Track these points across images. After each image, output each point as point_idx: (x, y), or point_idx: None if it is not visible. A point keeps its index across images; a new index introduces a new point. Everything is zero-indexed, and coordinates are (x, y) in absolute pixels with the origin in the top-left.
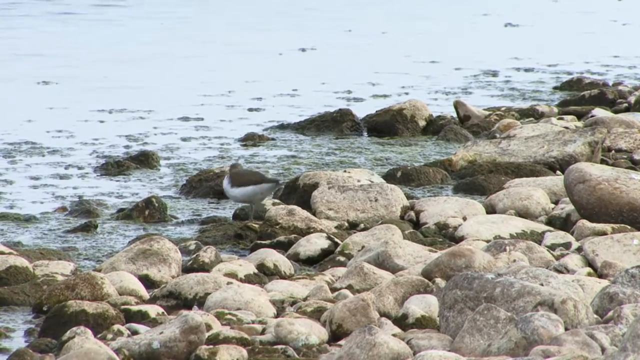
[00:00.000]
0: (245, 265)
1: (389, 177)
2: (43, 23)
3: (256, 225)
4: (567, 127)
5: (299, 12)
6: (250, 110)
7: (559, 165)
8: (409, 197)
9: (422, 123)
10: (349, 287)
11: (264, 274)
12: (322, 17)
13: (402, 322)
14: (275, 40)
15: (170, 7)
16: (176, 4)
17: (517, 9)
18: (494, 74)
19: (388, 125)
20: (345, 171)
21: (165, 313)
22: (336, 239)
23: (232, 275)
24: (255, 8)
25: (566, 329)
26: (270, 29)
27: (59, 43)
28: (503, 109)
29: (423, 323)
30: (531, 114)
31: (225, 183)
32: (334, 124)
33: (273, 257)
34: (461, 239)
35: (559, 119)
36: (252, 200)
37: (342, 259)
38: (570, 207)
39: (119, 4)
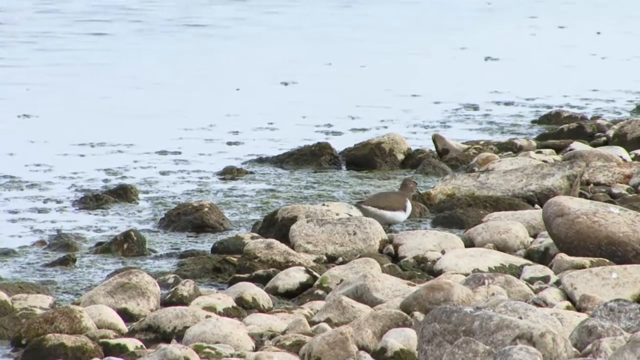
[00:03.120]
0: (224, 299)
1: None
2: (25, 55)
3: (234, 259)
4: (545, 161)
5: (279, 43)
6: (229, 144)
7: (538, 198)
8: (387, 230)
9: (400, 157)
10: (328, 321)
11: (243, 308)
12: (302, 50)
13: (380, 355)
14: (257, 74)
15: (146, 38)
16: (151, 34)
17: (496, 42)
18: (474, 107)
19: (366, 158)
20: (324, 205)
21: (144, 347)
22: (315, 273)
23: (210, 308)
24: (237, 41)
25: None
26: (252, 62)
27: (41, 75)
28: (482, 142)
29: (402, 356)
30: (510, 148)
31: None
32: (312, 157)
33: (252, 290)
34: (440, 272)
35: (537, 152)
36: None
37: (320, 292)
38: (548, 240)
39: (102, 32)
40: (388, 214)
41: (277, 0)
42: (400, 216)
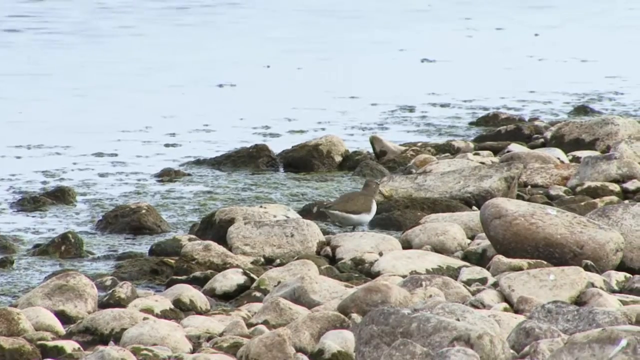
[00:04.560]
0: (162, 301)
1: (305, 213)
2: None
3: (172, 261)
4: (483, 163)
5: (216, 46)
6: (166, 145)
7: (475, 200)
8: (325, 232)
9: (338, 158)
10: (265, 323)
11: (180, 310)
12: (239, 52)
13: (318, 357)
14: (193, 76)
15: (84, 40)
16: (90, 37)
17: (433, 44)
18: (411, 109)
19: (304, 160)
20: (261, 207)
21: (81, 349)
22: (252, 275)
23: (148, 310)
24: (172, 44)
25: None
26: (189, 64)
27: None
28: (419, 144)
29: (339, 358)
30: (447, 150)
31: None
32: (250, 159)
33: (189, 292)
34: (377, 274)
35: (475, 154)
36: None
37: (258, 294)
38: (486, 242)
39: (30, 31)
40: (354, 217)
41: (212, 4)
42: (366, 218)
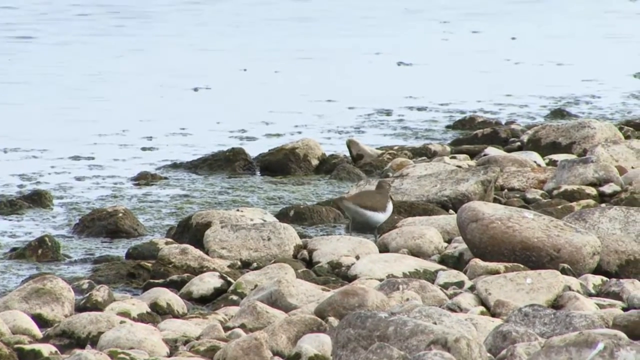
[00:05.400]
0: (139, 304)
1: (282, 216)
2: None
3: (149, 265)
4: (459, 166)
5: (190, 50)
6: (143, 149)
7: (452, 204)
8: (302, 236)
9: (314, 162)
10: (242, 326)
11: (157, 313)
12: (215, 56)
13: None
14: (168, 80)
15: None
16: (67, 41)
17: (409, 47)
18: (387, 112)
19: (281, 164)
20: (238, 210)
21: (58, 352)
22: (229, 278)
23: (125, 314)
24: (148, 46)
25: None
26: (163, 69)
27: None
28: (396, 147)
29: None
30: (424, 153)
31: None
32: (226, 163)
33: (166, 296)
34: (354, 277)
35: (451, 157)
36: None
37: (235, 298)
38: (463, 246)
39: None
40: (369, 213)
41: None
42: (380, 217)
